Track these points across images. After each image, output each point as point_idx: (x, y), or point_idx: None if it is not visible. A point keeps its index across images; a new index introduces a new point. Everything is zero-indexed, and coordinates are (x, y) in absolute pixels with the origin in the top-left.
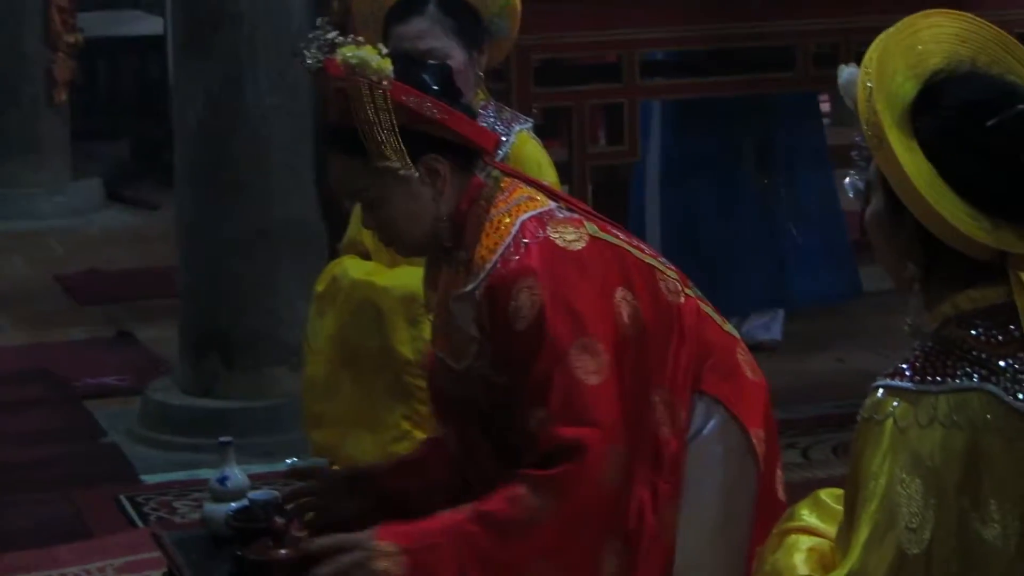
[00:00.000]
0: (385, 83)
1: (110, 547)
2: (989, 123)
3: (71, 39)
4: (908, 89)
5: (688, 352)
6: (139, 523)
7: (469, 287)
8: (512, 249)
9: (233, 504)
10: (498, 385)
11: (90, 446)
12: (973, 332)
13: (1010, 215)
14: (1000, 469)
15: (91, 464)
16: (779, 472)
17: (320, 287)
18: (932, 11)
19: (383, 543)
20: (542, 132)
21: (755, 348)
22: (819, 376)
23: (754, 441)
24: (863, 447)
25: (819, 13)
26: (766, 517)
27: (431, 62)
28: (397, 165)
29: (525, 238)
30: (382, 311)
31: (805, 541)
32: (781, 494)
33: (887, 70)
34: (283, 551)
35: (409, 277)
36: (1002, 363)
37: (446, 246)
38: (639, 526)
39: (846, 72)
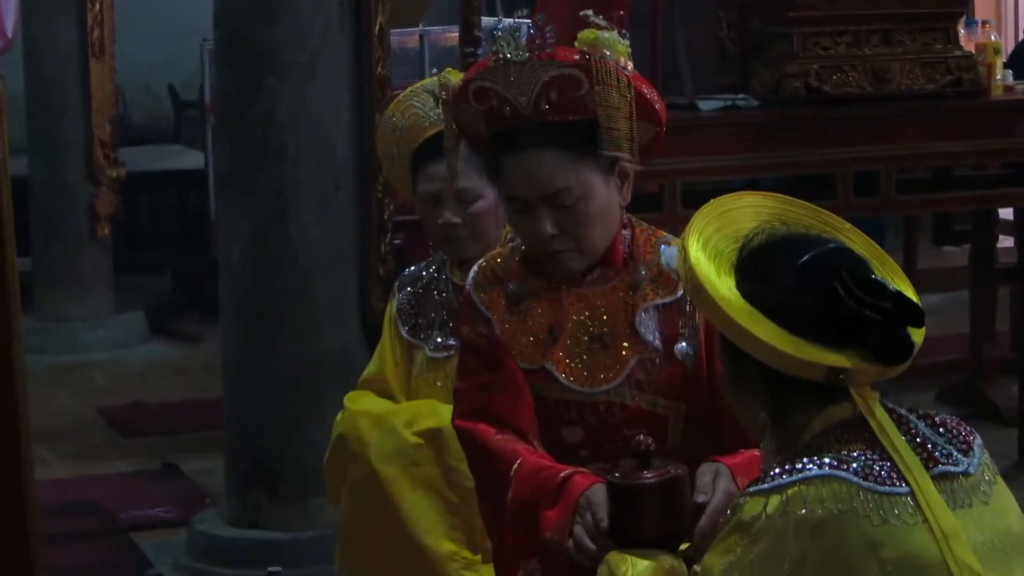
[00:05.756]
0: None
1: None
2: (801, 260)
3: (113, 173)
4: (725, 248)
5: None
6: None
7: (668, 298)
8: None
9: None
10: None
11: None
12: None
13: (831, 339)
14: None
15: None
16: None
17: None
18: (744, 192)
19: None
20: None
21: None
22: None
23: None
24: None
25: (859, 141)
26: None
27: None
28: (627, 155)
29: None
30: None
31: None
32: None
33: (703, 236)
34: (649, 474)
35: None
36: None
37: (617, 261)
38: None
39: (667, 251)
